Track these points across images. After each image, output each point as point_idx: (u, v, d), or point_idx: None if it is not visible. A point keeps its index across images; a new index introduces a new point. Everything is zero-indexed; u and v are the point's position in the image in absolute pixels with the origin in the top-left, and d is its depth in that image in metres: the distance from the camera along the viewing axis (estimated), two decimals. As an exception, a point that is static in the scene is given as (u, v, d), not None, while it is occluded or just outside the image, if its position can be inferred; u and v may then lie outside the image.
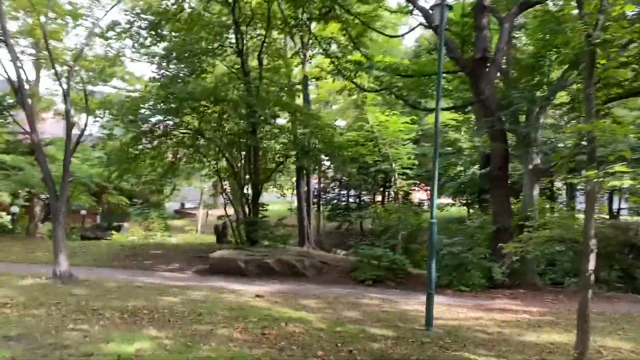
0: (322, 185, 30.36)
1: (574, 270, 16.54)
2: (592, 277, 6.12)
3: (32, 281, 11.40)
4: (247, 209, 17.11)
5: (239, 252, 14.69)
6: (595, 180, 5.55)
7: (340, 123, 32.06)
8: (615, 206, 30.46)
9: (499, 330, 8.77)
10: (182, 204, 44.48)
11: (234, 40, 17.30)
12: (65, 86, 11.84)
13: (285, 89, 17.19)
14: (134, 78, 27.25)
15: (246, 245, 15.94)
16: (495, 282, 13.75)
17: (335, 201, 29.92)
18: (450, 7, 9.84)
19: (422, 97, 18.09)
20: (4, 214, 23.64)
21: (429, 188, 31.84)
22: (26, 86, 12.33)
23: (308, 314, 9.34)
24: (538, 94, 15.05)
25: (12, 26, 17.83)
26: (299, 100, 20.42)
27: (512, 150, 15.64)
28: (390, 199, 25.82)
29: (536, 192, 15.67)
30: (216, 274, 14.02)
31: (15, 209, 21.88)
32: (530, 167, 15.55)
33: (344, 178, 29.99)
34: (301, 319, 8.83)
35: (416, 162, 21.88)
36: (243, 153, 17.34)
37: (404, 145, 22.18)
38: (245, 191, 17.47)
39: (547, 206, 16.25)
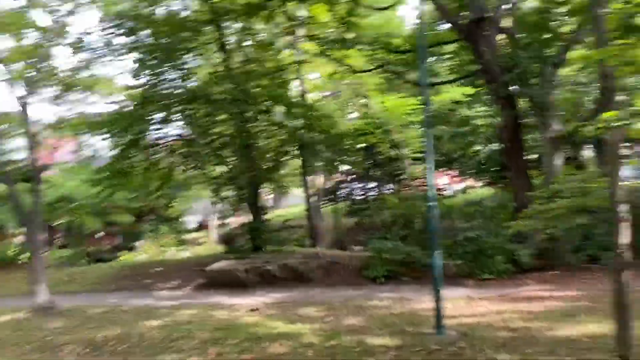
0: (338, 180, 29.07)
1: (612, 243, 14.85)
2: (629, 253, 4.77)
3: (9, 317, 10.50)
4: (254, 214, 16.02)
5: (238, 261, 13.55)
6: (616, 124, 4.23)
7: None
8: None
9: (526, 324, 7.41)
10: (205, 216, 43.66)
11: (216, 37, 16.21)
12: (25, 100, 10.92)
13: (275, 80, 15.94)
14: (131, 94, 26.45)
15: (249, 253, 14.82)
16: (522, 266, 12.30)
17: (352, 196, 28.54)
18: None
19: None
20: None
21: (450, 172, 30.20)
22: None
23: (302, 327, 8.14)
24: (549, 52, 13.51)
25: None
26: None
27: (526, 118, 14.13)
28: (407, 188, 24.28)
29: (559, 162, 14.10)
30: (216, 288, 12.91)
31: (20, 238, 21.27)
32: (549, 134, 14.01)
33: (362, 171, 28.55)
34: (291, 333, 7.64)
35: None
36: (238, 154, 16.23)
37: (414, 129, 20.71)
38: (247, 194, 16.36)
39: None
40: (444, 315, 7.32)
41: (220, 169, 17.17)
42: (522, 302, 9.06)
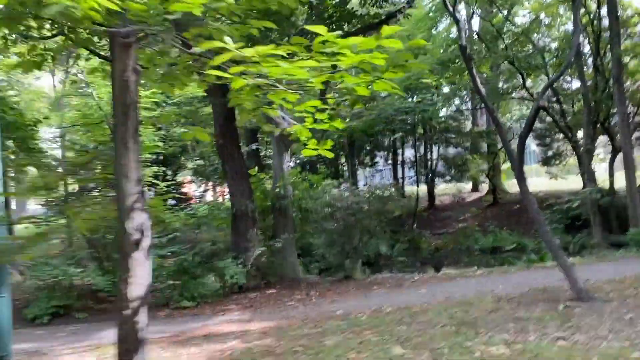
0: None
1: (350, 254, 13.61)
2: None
3: None
4: None
5: None
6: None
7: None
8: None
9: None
10: None
11: None
12: None
13: None
14: None
15: None
16: (235, 286, 10.24)
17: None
18: None
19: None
20: None
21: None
22: None
23: None
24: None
25: None
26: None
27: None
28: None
29: (287, 163, 12.57)
30: None
31: None
32: (277, 133, 12.37)
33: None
34: None
35: (160, 144, 17.64)
36: None
37: (146, 126, 17.74)
38: None
39: (305, 180, 13.22)
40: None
41: None
42: (194, 345, 6.74)
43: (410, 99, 24.45)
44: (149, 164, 17.61)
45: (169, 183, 20.81)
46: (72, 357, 6.64)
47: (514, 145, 8.93)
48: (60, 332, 8.32)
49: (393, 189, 12.71)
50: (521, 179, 7.30)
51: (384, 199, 11.24)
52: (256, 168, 12.83)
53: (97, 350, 6.78)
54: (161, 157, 22.29)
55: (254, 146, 18.34)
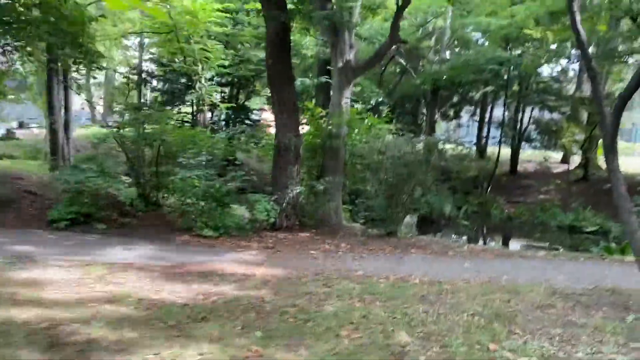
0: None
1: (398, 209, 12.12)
2: None
3: None
4: None
5: None
6: None
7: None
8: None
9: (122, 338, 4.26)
10: (22, 123, 36.31)
11: None
12: None
13: None
14: None
15: None
16: (262, 223, 9.45)
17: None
18: None
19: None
20: None
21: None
22: None
23: None
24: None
25: None
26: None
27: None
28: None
29: (346, 98, 11.31)
30: None
31: None
32: (340, 64, 11.09)
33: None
34: None
35: (226, 63, 16.78)
36: None
37: (216, 41, 16.92)
38: None
39: (365, 118, 11.98)
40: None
41: None
42: (184, 281, 6.00)
43: (507, 50, 22.00)
44: (214, 84, 16.97)
45: (234, 106, 20.19)
46: (58, 269, 6.12)
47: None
48: (69, 240, 7.93)
49: (463, 148, 11.04)
50: (611, 151, 5.71)
51: (445, 155, 9.81)
52: (313, 101, 11.70)
53: (85, 268, 6.23)
54: (235, 80, 21.58)
55: (323, 79, 17.07)
